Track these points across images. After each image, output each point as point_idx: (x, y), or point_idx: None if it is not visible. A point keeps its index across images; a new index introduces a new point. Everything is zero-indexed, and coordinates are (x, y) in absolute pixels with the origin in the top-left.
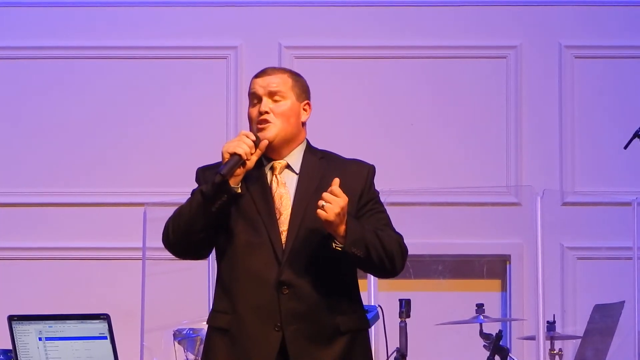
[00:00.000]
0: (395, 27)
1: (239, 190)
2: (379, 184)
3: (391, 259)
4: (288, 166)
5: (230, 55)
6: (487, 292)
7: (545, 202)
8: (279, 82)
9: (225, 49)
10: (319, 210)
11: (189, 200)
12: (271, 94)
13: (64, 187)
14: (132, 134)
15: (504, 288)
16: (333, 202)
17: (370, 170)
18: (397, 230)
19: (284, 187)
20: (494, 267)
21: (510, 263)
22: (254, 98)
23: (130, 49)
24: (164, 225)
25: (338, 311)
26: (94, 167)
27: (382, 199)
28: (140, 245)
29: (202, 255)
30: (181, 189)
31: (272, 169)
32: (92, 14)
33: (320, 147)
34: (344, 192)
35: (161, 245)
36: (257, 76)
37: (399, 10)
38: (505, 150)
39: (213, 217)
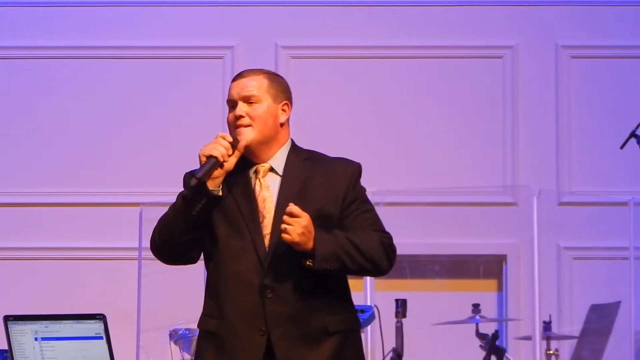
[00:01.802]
0: (391, 27)
1: (220, 193)
2: (376, 184)
3: (372, 262)
4: (271, 169)
5: (227, 55)
6: (483, 292)
7: (541, 202)
8: (254, 85)
9: (222, 49)
10: (282, 234)
11: (171, 206)
12: (245, 99)
13: (60, 187)
14: (128, 134)
15: (500, 288)
16: (294, 224)
17: (355, 169)
18: (388, 229)
19: (268, 190)
20: (490, 267)
21: (506, 263)
22: (230, 103)
23: (126, 49)
24: None
25: (326, 312)
26: (90, 167)
27: (379, 200)
28: (137, 245)
29: (189, 259)
30: (177, 189)
31: (256, 172)
32: (88, 14)
33: (316, 148)
34: (327, 193)
35: None
36: (233, 80)
37: (394, 10)
38: (502, 150)
39: (194, 221)
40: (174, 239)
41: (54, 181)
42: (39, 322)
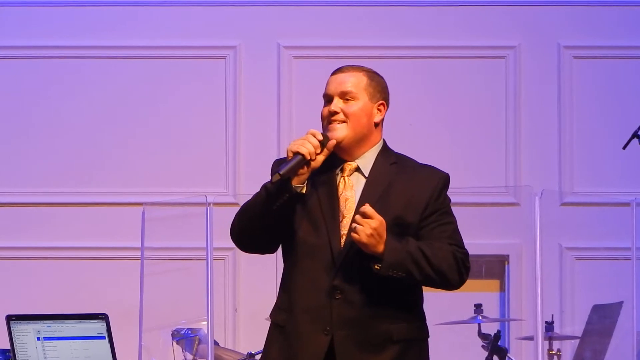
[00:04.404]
0: (394, 27)
1: (303, 190)
2: None
3: (441, 274)
4: (358, 169)
5: (229, 55)
6: (485, 293)
7: (543, 202)
8: (352, 82)
9: (224, 49)
10: (352, 233)
11: (255, 195)
12: (342, 94)
13: (62, 187)
14: (130, 134)
15: (502, 288)
16: (364, 224)
17: (441, 179)
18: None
19: (351, 190)
20: (492, 267)
21: (508, 263)
22: (327, 97)
23: (128, 48)
24: (163, 225)
25: (391, 319)
26: (93, 166)
27: None
28: (139, 245)
29: (266, 250)
30: (179, 188)
31: (342, 170)
32: (90, 14)
33: None
34: (408, 201)
35: (159, 245)
36: (332, 74)
37: (397, 10)
38: (504, 151)
39: (275, 215)
40: (253, 229)
41: (56, 181)
42: (42, 321)
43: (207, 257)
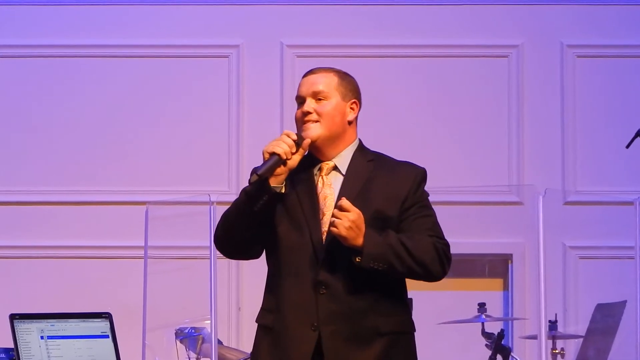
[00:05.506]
0: (397, 26)
1: (282, 190)
2: None
3: (423, 266)
4: (335, 167)
5: (232, 54)
6: (489, 292)
7: (547, 201)
8: (323, 82)
9: (227, 48)
10: (331, 227)
11: (234, 201)
12: (314, 94)
13: (66, 185)
14: (134, 133)
15: (505, 287)
16: (342, 217)
17: (418, 174)
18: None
19: (330, 187)
20: (495, 267)
21: (512, 262)
22: (299, 99)
23: (132, 47)
24: (167, 224)
25: (378, 312)
26: (96, 165)
27: None
28: (142, 243)
29: (251, 255)
30: (183, 187)
31: (320, 169)
32: (93, 13)
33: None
34: (388, 196)
35: (163, 243)
36: (304, 76)
37: (400, 9)
38: (507, 150)
39: (256, 217)
40: (236, 234)
41: (60, 179)
42: (45, 320)
43: (211, 256)
